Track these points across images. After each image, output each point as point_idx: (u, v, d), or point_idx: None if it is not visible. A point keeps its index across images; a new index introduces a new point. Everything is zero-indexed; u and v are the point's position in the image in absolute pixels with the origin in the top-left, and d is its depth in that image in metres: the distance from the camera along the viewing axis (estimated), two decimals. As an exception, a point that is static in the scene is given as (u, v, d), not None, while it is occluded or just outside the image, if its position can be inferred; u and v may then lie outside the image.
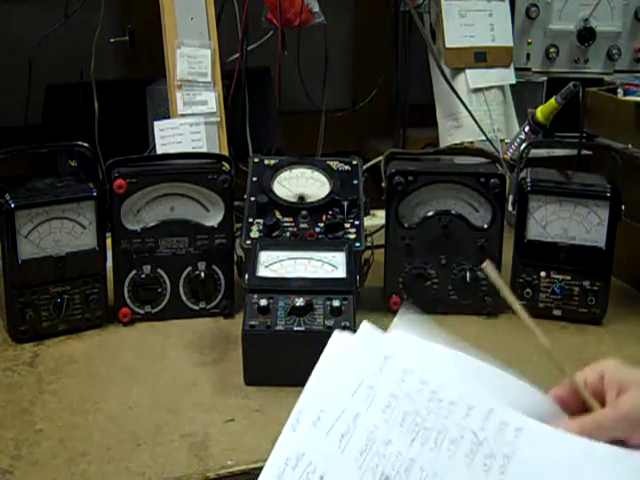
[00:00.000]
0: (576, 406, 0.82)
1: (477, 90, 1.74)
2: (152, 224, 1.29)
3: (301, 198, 1.33)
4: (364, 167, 1.40)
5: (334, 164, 1.37)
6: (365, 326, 0.86)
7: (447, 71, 1.71)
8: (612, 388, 0.80)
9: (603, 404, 0.80)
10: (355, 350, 0.84)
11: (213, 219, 1.31)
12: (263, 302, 1.12)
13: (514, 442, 0.77)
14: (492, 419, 0.79)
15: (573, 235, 1.31)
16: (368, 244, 1.30)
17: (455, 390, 0.81)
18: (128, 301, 1.30)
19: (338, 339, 0.85)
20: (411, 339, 0.87)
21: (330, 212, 1.30)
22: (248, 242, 1.26)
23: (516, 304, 0.90)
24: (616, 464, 0.76)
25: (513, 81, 1.79)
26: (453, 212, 1.33)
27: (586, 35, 1.90)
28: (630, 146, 1.47)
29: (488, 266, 0.91)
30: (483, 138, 1.68)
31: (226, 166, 1.32)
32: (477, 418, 0.79)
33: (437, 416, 0.79)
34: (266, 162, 1.36)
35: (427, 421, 0.78)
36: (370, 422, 0.78)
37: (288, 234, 1.28)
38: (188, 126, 1.53)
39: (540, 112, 1.61)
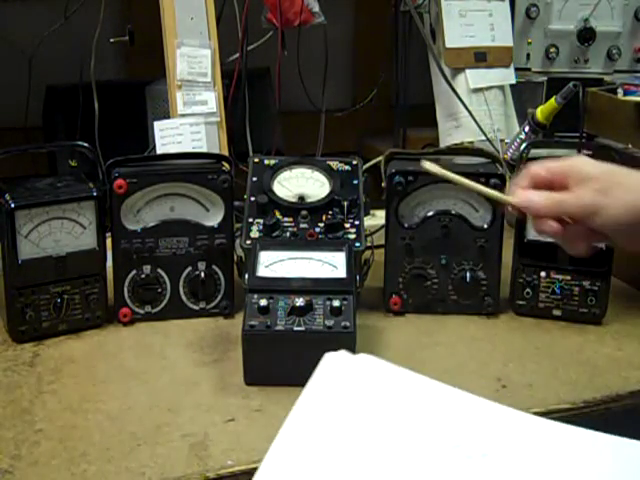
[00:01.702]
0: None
1: (477, 90, 1.74)
2: (152, 224, 1.29)
3: (301, 198, 1.33)
4: (364, 167, 1.40)
5: (334, 164, 1.37)
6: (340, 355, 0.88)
7: (447, 71, 1.72)
8: (574, 178, 0.94)
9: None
10: (336, 376, 0.86)
11: (213, 219, 1.31)
12: (263, 302, 1.12)
13: (492, 441, 0.80)
14: (468, 422, 0.82)
15: (573, 235, 1.31)
16: (368, 244, 1.30)
17: (429, 401, 0.84)
18: (128, 301, 1.30)
19: (331, 361, 0.87)
20: (380, 363, 0.88)
21: (330, 212, 1.30)
22: (248, 242, 1.26)
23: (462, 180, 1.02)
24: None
25: (513, 81, 1.79)
26: (453, 212, 1.33)
27: (586, 35, 1.90)
28: (630, 146, 1.47)
29: (426, 164, 1.01)
30: (483, 138, 1.69)
31: (226, 166, 1.32)
32: (454, 422, 0.82)
33: (414, 427, 0.81)
34: (266, 162, 1.36)
35: (405, 432, 0.80)
36: (350, 437, 0.79)
37: (288, 234, 1.28)
38: (188, 126, 1.53)
39: (540, 112, 1.61)
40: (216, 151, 1.53)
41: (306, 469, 0.76)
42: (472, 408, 0.85)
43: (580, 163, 0.96)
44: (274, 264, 1.20)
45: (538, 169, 0.97)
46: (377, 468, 0.77)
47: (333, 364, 0.86)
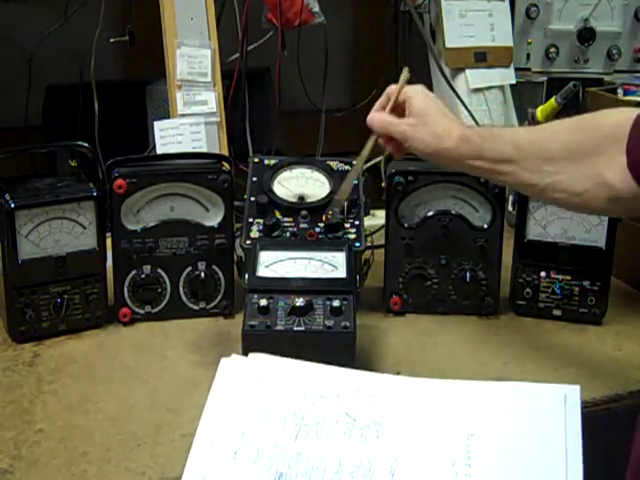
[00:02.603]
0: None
1: (477, 90, 1.74)
2: (152, 224, 1.29)
3: (301, 198, 1.33)
4: (364, 167, 1.40)
5: (334, 164, 1.37)
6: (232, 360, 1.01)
7: (447, 71, 1.72)
8: (407, 107, 1.14)
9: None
10: (234, 379, 0.98)
11: (213, 219, 1.31)
12: (263, 302, 1.12)
13: (381, 408, 0.93)
14: (359, 396, 0.95)
15: (573, 235, 1.31)
16: (368, 244, 1.30)
17: (321, 385, 0.96)
18: (128, 301, 1.30)
19: (226, 368, 0.99)
20: (270, 359, 1.01)
21: (330, 212, 1.30)
22: (248, 242, 1.26)
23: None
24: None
25: (513, 81, 1.79)
26: (453, 212, 1.33)
27: (586, 35, 1.90)
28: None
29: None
30: (483, 138, 1.68)
31: (226, 166, 1.32)
32: (346, 400, 0.94)
33: (312, 411, 0.93)
34: (266, 162, 1.36)
35: (305, 418, 0.92)
36: (257, 433, 0.91)
37: (288, 234, 1.28)
38: (188, 126, 1.53)
39: (540, 112, 1.61)
40: (216, 151, 1.53)
41: (225, 458, 0.89)
42: (363, 384, 0.96)
43: (413, 96, 1.15)
44: (274, 264, 1.20)
45: (391, 91, 1.17)
46: (284, 446, 0.89)
47: (229, 367, 0.99)
